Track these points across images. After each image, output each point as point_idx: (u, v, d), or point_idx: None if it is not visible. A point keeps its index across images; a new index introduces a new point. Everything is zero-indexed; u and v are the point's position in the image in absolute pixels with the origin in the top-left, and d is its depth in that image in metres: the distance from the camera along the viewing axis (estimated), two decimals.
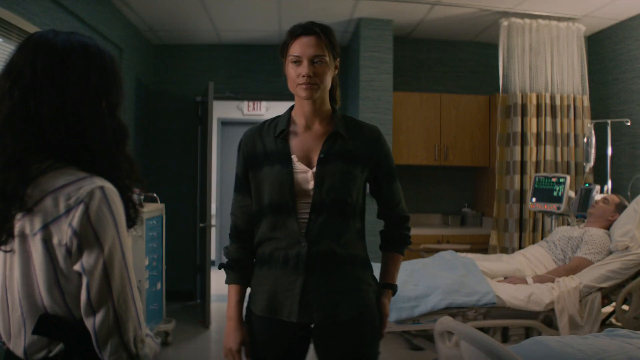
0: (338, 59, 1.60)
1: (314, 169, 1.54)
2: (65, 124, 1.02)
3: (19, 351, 1.04)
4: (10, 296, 1.04)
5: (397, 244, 1.74)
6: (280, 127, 1.60)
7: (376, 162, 1.64)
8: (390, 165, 1.69)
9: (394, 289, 1.73)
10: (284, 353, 1.61)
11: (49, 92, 1.01)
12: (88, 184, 0.99)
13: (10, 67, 1.03)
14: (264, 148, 1.60)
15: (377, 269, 1.73)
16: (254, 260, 1.66)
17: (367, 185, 1.71)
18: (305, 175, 1.54)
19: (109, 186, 1.01)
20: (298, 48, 1.51)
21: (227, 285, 1.67)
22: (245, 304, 1.67)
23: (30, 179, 0.98)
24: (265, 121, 1.67)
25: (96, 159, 1.05)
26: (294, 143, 1.59)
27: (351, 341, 1.58)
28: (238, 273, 1.65)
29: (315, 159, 1.56)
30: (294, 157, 1.56)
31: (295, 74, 1.53)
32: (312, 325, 1.58)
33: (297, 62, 1.52)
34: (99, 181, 1.01)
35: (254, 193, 1.61)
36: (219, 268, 1.72)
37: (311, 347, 1.64)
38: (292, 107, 1.65)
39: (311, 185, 1.54)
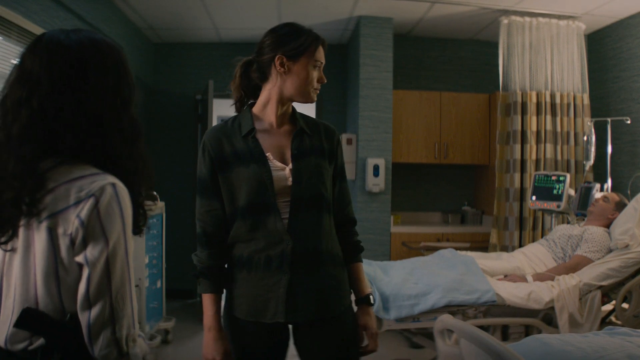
0: None
1: (290, 166, 1.55)
2: (86, 126, 1.02)
3: (1, 339, 1.04)
4: (6, 282, 1.04)
5: (353, 254, 1.71)
6: (247, 127, 1.57)
7: (335, 159, 1.67)
8: (343, 164, 1.72)
9: (369, 300, 1.68)
10: (267, 355, 1.60)
11: (68, 98, 1.01)
12: (101, 180, 1.00)
13: (24, 73, 1.02)
14: (232, 148, 1.55)
15: (367, 265, 1.73)
16: (228, 263, 1.61)
17: None
18: (283, 172, 1.54)
19: (120, 184, 1.02)
20: (321, 55, 1.59)
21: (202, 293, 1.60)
22: (222, 310, 1.62)
23: (43, 184, 0.98)
24: (227, 120, 1.63)
25: (113, 158, 1.05)
26: (265, 142, 1.57)
27: (334, 339, 1.58)
28: (212, 281, 1.58)
29: (288, 155, 1.57)
30: (269, 155, 1.55)
31: (315, 77, 1.58)
32: (290, 326, 1.59)
33: (317, 68, 1.58)
34: (111, 178, 1.02)
35: (225, 196, 1.56)
36: (192, 276, 1.64)
37: (291, 347, 1.64)
38: (251, 105, 1.63)
39: (289, 182, 1.54)
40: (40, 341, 1.01)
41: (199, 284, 1.60)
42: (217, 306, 1.57)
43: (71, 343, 1.00)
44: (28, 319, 1.00)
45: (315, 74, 1.57)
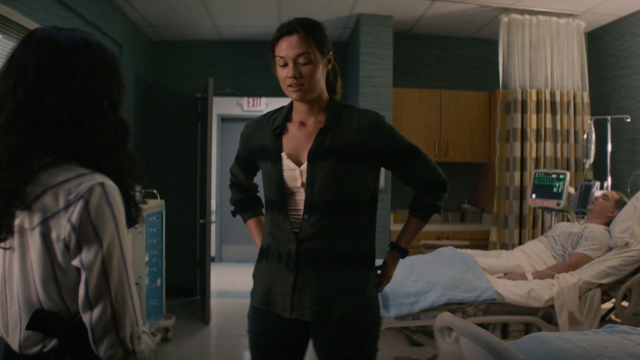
0: (330, 53, 1.56)
1: (302, 167, 1.53)
2: (69, 122, 1.02)
3: (14, 345, 1.04)
4: (9, 290, 1.04)
5: (420, 211, 1.68)
6: (277, 122, 1.59)
7: (378, 151, 1.55)
8: (400, 146, 1.58)
9: (402, 252, 1.70)
10: (282, 346, 1.62)
11: (53, 91, 1.01)
12: (88, 180, 0.99)
13: (13, 64, 1.02)
14: (260, 143, 1.62)
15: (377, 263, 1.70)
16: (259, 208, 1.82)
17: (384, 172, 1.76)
18: (293, 173, 1.53)
19: (109, 183, 1.01)
20: (282, 49, 1.49)
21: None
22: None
23: (31, 176, 0.98)
24: (268, 112, 1.67)
25: (99, 157, 1.05)
26: (286, 140, 1.58)
27: (346, 338, 1.57)
28: (246, 209, 1.81)
29: (304, 156, 1.54)
30: (284, 155, 1.55)
31: (283, 75, 1.52)
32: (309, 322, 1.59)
33: (284, 64, 1.50)
34: (100, 177, 1.01)
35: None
36: (233, 215, 1.87)
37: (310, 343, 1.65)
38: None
39: (299, 183, 1.53)
40: (54, 343, 1.02)
41: (242, 217, 1.83)
42: (258, 227, 1.78)
43: (83, 342, 1.00)
44: (40, 320, 1.00)
45: (281, 71, 1.51)
